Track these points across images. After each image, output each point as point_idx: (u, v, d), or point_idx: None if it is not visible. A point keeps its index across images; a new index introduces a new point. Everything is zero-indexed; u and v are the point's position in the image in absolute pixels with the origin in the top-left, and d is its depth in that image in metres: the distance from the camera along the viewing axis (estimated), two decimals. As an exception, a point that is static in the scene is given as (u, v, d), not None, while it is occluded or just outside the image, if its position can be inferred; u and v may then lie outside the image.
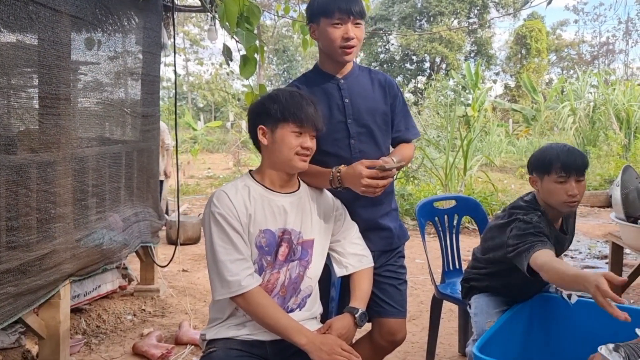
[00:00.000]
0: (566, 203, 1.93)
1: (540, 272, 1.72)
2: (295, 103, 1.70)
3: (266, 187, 1.74)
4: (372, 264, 1.93)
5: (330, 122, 1.92)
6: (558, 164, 1.91)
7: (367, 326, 1.96)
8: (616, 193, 3.12)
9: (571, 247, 5.81)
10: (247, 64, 2.72)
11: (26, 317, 2.38)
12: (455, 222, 2.92)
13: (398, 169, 1.84)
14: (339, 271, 1.89)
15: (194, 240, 5.77)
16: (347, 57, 1.90)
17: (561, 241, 2.11)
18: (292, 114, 1.69)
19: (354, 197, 1.88)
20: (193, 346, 3.03)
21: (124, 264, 3.73)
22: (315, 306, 1.83)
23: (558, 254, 2.12)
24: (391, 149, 2.08)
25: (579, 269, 1.86)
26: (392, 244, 2.06)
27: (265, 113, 1.72)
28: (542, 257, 1.73)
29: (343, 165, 1.80)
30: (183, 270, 4.63)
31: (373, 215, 2.00)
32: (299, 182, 1.84)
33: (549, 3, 2.97)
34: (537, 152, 2.07)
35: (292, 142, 1.69)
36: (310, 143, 1.73)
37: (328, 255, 1.89)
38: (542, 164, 1.98)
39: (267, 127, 1.72)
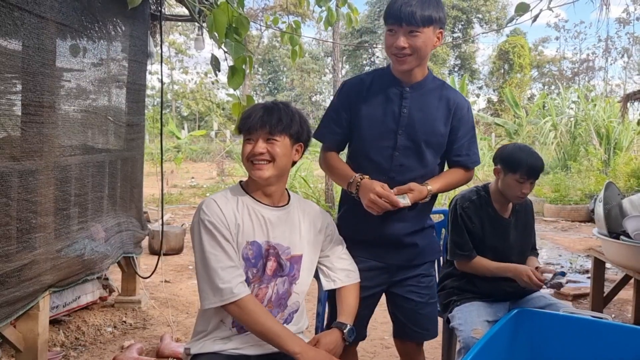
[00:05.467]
0: (517, 197, 2.25)
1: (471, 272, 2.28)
2: (245, 113, 1.70)
3: (255, 199, 1.72)
4: (359, 280, 1.91)
5: (380, 129, 1.87)
6: (524, 168, 2.17)
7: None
8: (599, 209, 3.16)
9: (553, 260, 5.89)
10: (236, 75, 2.71)
11: (3, 330, 2.32)
12: (442, 236, 2.92)
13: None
14: (326, 284, 1.87)
15: (177, 251, 5.70)
16: (400, 65, 1.83)
17: (502, 225, 2.32)
18: (241, 125, 1.69)
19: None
20: (175, 359, 2.98)
21: (104, 275, 3.67)
22: (302, 321, 1.81)
23: (500, 240, 2.31)
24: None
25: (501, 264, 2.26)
26: (415, 260, 1.98)
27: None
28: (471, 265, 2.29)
29: (368, 177, 1.80)
30: (165, 281, 4.56)
31: (400, 231, 1.93)
32: (289, 196, 1.82)
33: (534, 20, 3.00)
34: (508, 149, 2.29)
35: (244, 150, 1.69)
36: (262, 146, 1.64)
37: (315, 269, 1.87)
38: (510, 163, 2.22)
39: None
